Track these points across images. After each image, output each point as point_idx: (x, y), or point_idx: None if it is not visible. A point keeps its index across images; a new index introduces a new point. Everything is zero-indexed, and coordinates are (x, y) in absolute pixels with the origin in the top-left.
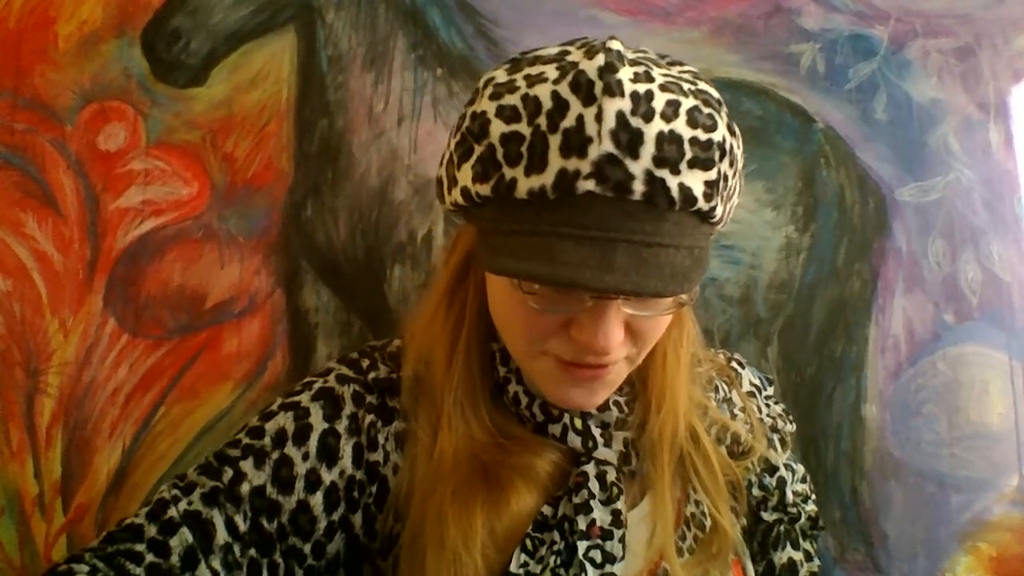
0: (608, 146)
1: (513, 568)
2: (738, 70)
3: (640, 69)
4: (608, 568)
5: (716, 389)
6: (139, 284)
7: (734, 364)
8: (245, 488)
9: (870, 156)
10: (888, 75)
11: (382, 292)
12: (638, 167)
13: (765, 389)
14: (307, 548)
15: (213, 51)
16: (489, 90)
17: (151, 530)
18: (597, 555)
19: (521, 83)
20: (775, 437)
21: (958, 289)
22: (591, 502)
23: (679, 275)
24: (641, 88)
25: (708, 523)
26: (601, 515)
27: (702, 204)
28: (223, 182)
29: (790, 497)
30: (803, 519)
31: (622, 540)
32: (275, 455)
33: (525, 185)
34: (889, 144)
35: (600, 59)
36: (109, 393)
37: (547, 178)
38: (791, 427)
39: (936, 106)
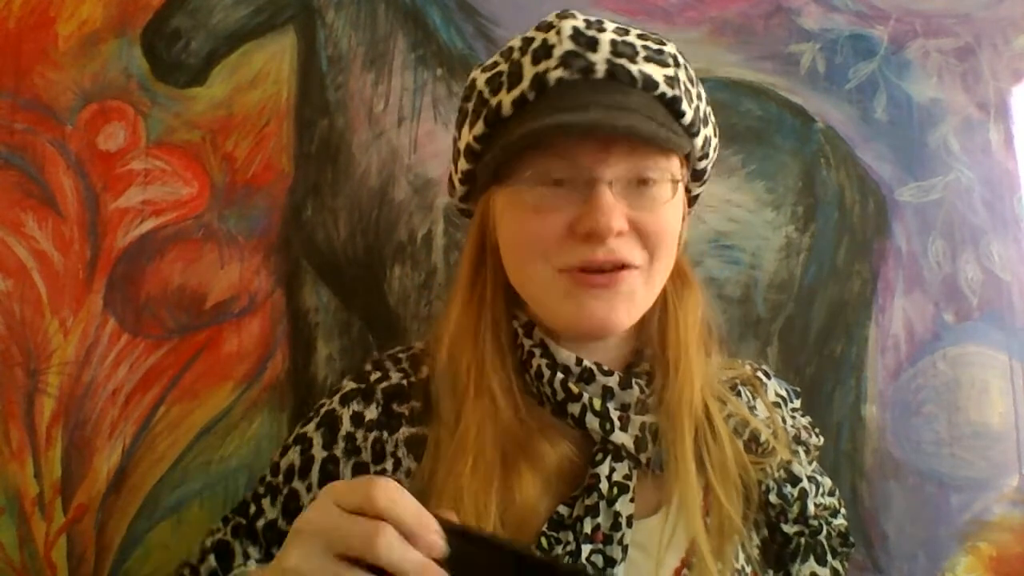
0: (569, 45)
1: None
2: (738, 70)
3: (593, 19)
4: (609, 571)
5: (739, 395)
6: (139, 284)
7: (759, 375)
8: (261, 523)
9: (870, 156)
10: (888, 75)
11: (382, 292)
12: (598, 57)
13: (791, 401)
14: None
15: (213, 51)
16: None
17: (194, 557)
18: (599, 559)
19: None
20: (799, 449)
21: (958, 289)
22: (600, 504)
23: (650, 129)
24: (592, 19)
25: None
26: (604, 519)
27: (665, 89)
28: (223, 182)
29: (811, 510)
30: (829, 533)
31: (621, 542)
32: (285, 491)
33: (508, 99)
34: (889, 144)
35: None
36: (109, 393)
37: (524, 84)
38: (817, 440)
39: (936, 106)
